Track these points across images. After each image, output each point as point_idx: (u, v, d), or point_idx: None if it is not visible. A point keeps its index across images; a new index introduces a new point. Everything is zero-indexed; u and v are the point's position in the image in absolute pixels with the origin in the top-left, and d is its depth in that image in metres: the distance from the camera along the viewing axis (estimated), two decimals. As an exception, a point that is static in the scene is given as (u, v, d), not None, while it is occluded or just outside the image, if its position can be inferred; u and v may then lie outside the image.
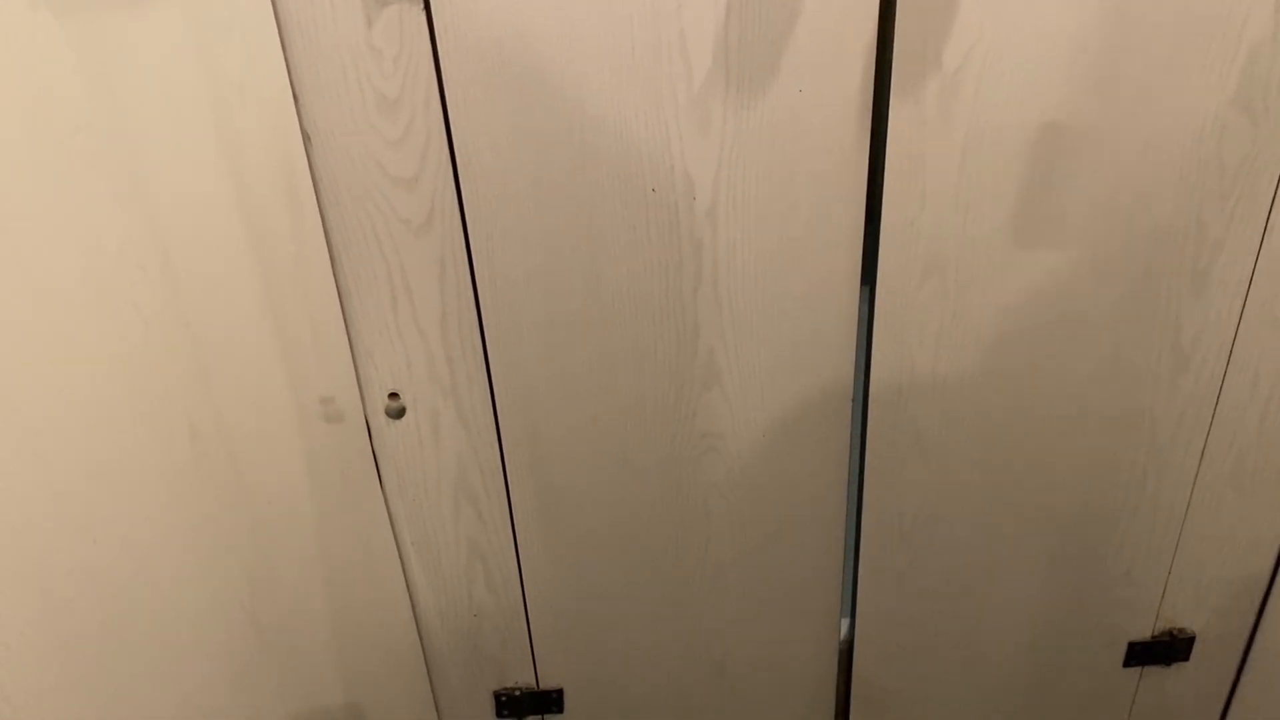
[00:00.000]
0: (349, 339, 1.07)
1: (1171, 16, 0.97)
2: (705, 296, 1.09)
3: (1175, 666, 1.42)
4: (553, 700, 1.38)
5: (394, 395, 1.11)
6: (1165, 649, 1.40)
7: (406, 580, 1.25)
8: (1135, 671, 1.43)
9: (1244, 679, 1.42)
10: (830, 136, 1.01)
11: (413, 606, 1.27)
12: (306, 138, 0.97)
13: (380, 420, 1.13)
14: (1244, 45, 0.99)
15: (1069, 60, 0.99)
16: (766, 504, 1.24)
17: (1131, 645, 1.40)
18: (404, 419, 1.13)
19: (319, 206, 1.00)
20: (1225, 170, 1.06)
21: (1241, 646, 1.41)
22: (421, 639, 1.30)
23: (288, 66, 0.93)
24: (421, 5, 0.92)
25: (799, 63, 0.97)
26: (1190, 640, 1.39)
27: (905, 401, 1.17)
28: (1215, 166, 1.05)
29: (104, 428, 0.94)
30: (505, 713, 1.38)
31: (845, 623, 1.36)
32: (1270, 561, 1.32)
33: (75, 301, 0.90)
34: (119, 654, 0.98)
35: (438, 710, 1.37)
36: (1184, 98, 1.02)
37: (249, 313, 1.03)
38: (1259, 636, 1.38)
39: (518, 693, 1.37)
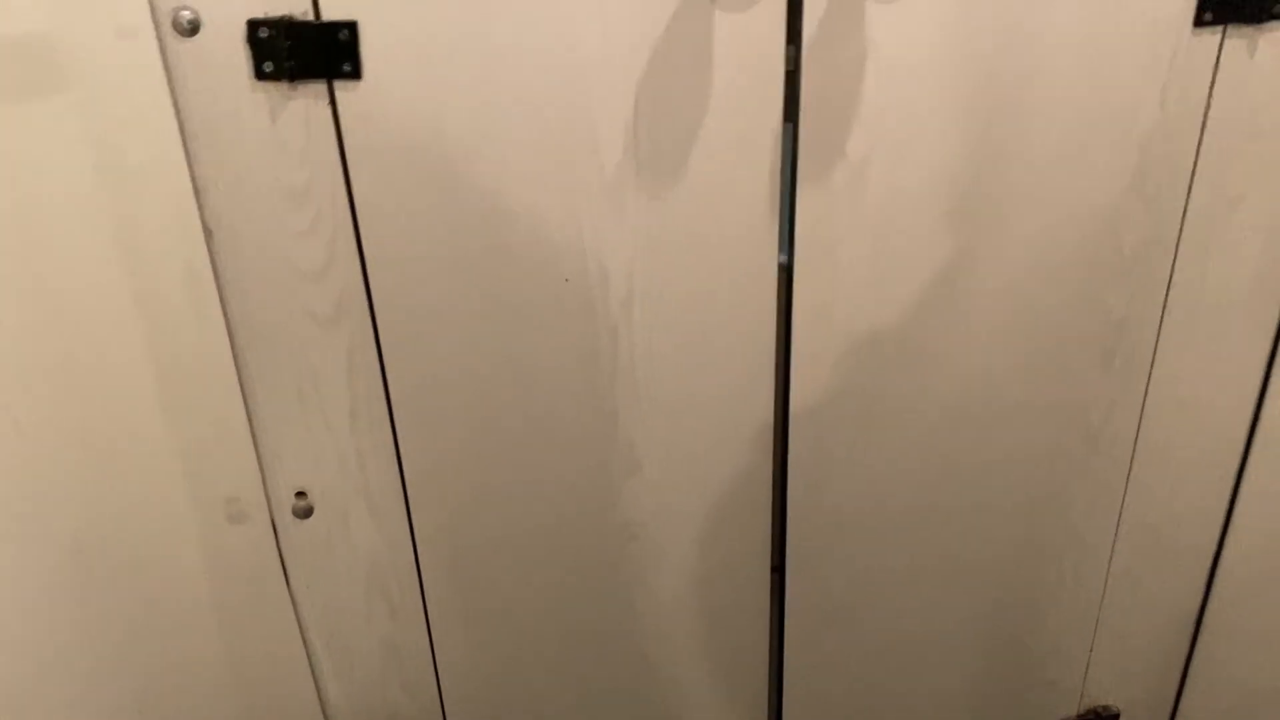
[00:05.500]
0: (253, 435, 1.03)
1: (1068, 109, 1.01)
2: (623, 386, 1.08)
3: (1102, 744, 1.42)
4: (474, 805, 1.32)
5: (301, 494, 1.07)
6: (1091, 727, 1.40)
7: (317, 685, 1.19)
8: (1063, 750, 1.43)
9: (1169, 754, 1.43)
10: (741, 225, 1.02)
11: (324, 711, 1.21)
12: (209, 231, 0.95)
13: (287, 519, 1.09)
14: (1136, 135, 1.03)
15: (971, 149, 1.01)
16: (690, 592, 1.22)
17: (1058, 724, 1.40)
18: (312, 517, 1.09)
19: (222, 300, 0.97)
20: (1123, 252, 1.09)
21: (1165, 720, 1.42)
22: (334, 746, 1.24)
23: (189, 160, 0.91)
24: (327, 100, 0.91)
25: (708, 154, 0.98)
26: (1115, 717, 1.39)
27: (825, 488, 1.17)
28: (1113, 249, 1.08)
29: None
30: (424, 821, 1.32)
31: (773, 708, 1.33)
32: (1188, 635, 1.34)
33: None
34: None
35: (352, 822, 1.30)
36: (1082, 184, 1.05)
37: (146, 412, 0.99)
38: (1180, 710, 1.39)
39: (437, 799, 1.31)
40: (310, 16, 0.88)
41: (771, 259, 1.04)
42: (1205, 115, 1.03)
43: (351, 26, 0.89)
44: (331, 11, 0.88)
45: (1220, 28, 0.99)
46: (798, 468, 1.15)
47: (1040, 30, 0.97)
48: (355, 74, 0.91)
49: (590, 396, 1.08)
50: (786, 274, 1.06)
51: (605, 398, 1.08)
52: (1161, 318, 1.14)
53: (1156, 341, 1.15)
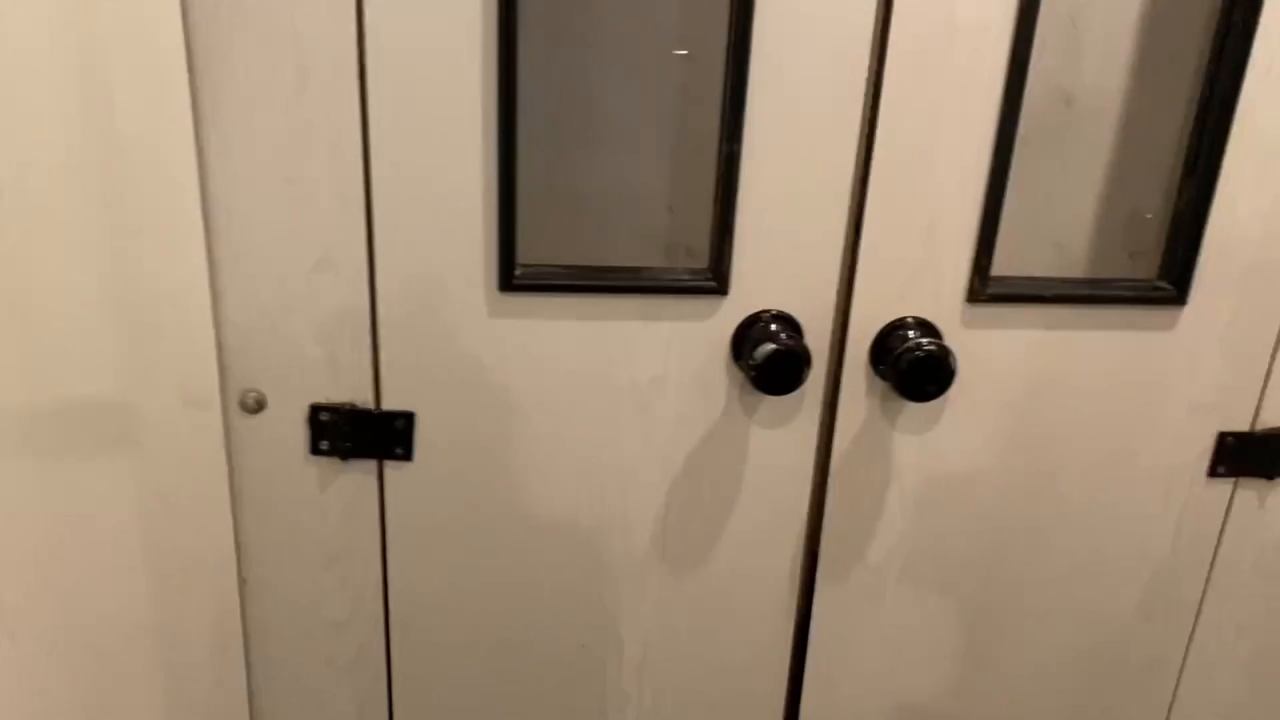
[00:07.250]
0: (257, 773, 1.04)
1: (1084, 536, 1.04)
2: (627, 750, 1.09)
3: None
4: None
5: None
6: None
7: None
8: None
9: None
10: (759, 612, 1.04)
11: None
12: (243, 580, 0.98)
13: None
14: (1148, 565, 1.06)
15: (988, 564, 1.04)
16: None
17: None
18: None
19: (245, 641, 0.99)
20: (1130, 664, 1.11)
21: None
22: None
23: (235, 517, 0.95)
24: (376, 476, 0.96)
25: (732, 546, 1.01)
26: None
27: None
28: (1120, 661, 1.10)
29: None
30: None
31: None
32: None
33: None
34: None
35: None
36: (1092, 602, 1.07)
37: (156, 751, 1.00)
38: None
39: None
40: (371, 405, 0.93)
41: (785, 644, 1.06)
42: (1214, 555, 1.06)
43: (409, 416, 0.94)
44: (391, 401, 0.93)
45: (1233, 480, 1.03)
46: None
47: (1060, 466, 1.01)
48: (407, 456, 0.95)
49: (593, 753, 1.09)
50: (799, 660, 1.08)
51: (608, 756, 1.09)
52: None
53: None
